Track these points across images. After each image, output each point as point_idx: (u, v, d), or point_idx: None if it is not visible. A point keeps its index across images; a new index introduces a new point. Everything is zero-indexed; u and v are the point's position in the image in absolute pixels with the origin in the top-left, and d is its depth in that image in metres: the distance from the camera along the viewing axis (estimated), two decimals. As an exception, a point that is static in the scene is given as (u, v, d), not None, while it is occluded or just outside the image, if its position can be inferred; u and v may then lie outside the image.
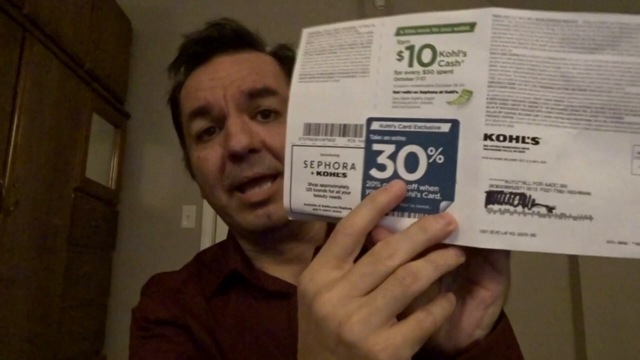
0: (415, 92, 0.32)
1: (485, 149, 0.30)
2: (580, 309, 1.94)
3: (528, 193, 0.29)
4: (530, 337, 1.84)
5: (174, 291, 0.57)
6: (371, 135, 0.33)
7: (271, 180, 0.52)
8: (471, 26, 0.31)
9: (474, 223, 0.30)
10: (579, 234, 0.28)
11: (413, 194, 0.31)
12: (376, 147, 0.32)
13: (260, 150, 0.51)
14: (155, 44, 2.34)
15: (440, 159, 0.31)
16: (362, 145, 0.33)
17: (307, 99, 0.35)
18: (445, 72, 0.31)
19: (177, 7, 2.36)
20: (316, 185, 0.34)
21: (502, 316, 0.36)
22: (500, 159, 0.30)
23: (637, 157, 0.29)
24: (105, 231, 2.03)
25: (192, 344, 0.53)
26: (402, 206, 0.31)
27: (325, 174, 0.34)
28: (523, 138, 0.29)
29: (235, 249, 0.57)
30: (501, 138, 0.30)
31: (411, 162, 0.31)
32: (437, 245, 0.30)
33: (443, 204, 0.30)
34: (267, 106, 0.53)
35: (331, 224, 0.33)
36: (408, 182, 0.31)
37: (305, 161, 0.35)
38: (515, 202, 0.29)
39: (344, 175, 0.33)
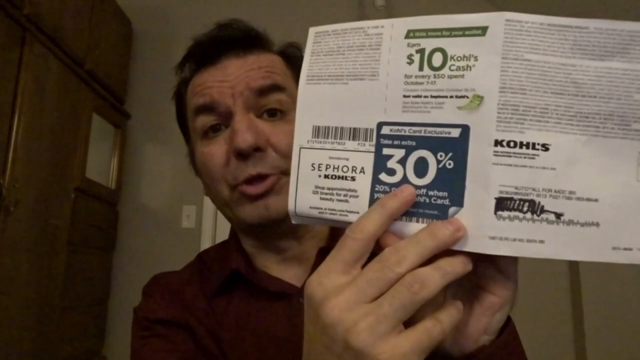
0: (426, 97, 0.32)
1: (496, 155, 0.30)
2: (580, 309, 1.94)
3: (537, 200, 0.29)
4: (530, 337, 1.83)
5: (175, 291, 0.58)
6: (381, 140, 0.33)
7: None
8: (483, 30, 0.31)
9: (483, 229, 0.29)
10: (586, 241, 0.28)
11: (422, 199, 0.31)
12: (386, 151, 0.32)
13: (265, 150, 0.51)
14: (155, 44, 2.33)
15: (450, 164, 0.31)
16: (372, 149, 0.33)
17: (315, 101, 0.35)
18: (456, 76, 0.31)
19: (177, 8, 2.36)
20: (323, 188, 0.34)
21: (508, 321, 0.36)
22: (510, 165, 0.29)
23: None
24: (105, 231, 2.02)
25: (193, 343, 0.53)
26: (411, 211, 0.31)
27: (334, 177, 0.34)
28: (533, 144, 0.29)
29: (237, 249, 0.57)
30: (512, 144, 0.29)
31: (421, 167, 0.31)
32: (445, 250, 0.30)
33: (452, 209, 0.30)
34: (274, 104, 0.53)
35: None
36: (417, 187, 0.31)
37: (313, 164, 0.35)
38: (525, 209, 0.29)
39: (353, 178, 0.33)
